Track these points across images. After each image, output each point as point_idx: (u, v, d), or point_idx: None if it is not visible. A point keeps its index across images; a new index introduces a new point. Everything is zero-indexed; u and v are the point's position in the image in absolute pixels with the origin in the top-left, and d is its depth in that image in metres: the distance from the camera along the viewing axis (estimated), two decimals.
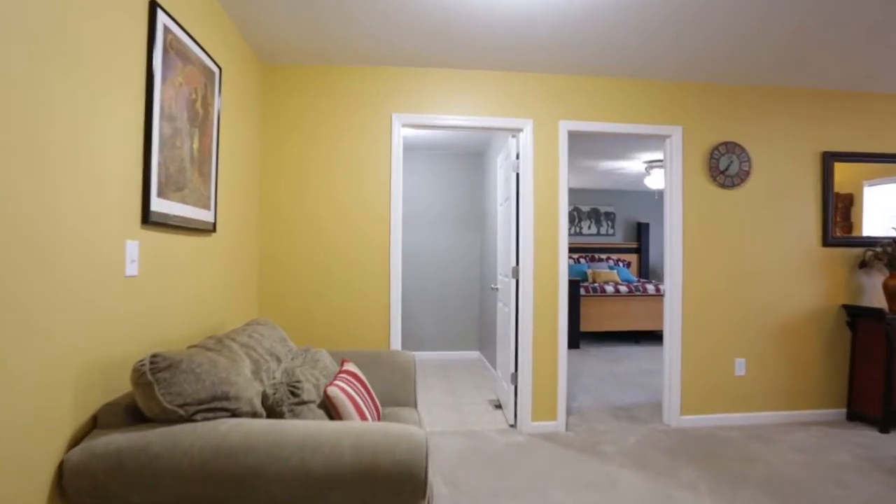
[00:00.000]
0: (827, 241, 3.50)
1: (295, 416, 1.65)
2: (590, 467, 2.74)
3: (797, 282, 3.49)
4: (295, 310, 3.12)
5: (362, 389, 1.99)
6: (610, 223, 9.17)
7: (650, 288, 6.68)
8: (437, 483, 2.57)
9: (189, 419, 1.42)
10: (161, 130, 1.79)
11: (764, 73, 3.22)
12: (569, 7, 2.44)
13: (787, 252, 3.48)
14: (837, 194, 3.54)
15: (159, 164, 1.78)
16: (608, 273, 7.90)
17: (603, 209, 9.12)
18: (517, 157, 3.40)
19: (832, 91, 3.52)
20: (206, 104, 2.21)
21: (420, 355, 5.82)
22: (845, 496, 2.42)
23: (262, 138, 3.12)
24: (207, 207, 2.26)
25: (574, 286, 6.34)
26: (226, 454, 1.32)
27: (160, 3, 1.79)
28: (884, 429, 3.25)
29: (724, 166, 3.39)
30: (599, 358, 5.85)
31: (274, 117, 3.12)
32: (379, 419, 2.06)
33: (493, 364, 4.87)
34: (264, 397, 1.66)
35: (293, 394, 1.67)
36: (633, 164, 6.76)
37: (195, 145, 2.10)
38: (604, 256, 8.90)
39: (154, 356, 1.40)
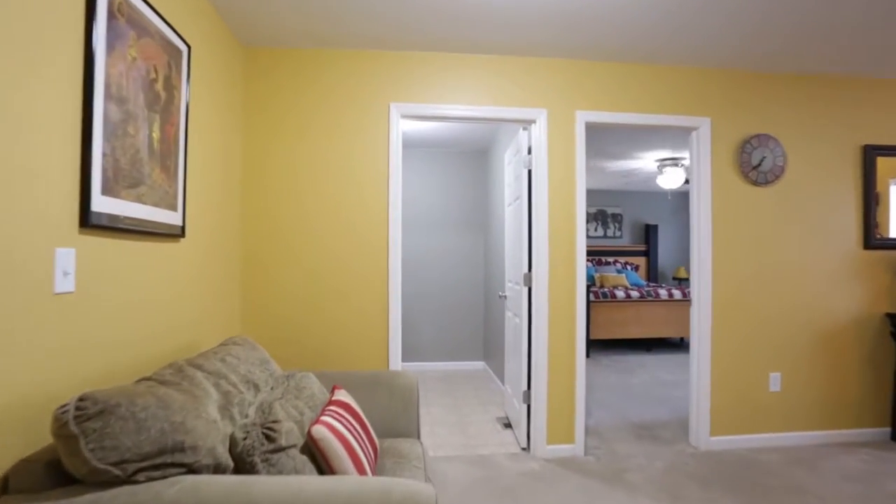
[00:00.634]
0: (869, 243, 3.18)
1: (271, 467, 1.32)
2: (617, 502, 2.41)
3: (837, 288, 3.17)
4: (283, 323, 2.79)
5: (355, 424, 1.66)
6: (617, 225, 8.85)
7: (662, 293, 6.36)
8: None
9: (128, 480, 1.09)
10: (107, 113, 1.46)
11: (801, 59, 2.91)
12: None
13: (825, 256, 3.16)
14: None
15: (105, 156, 1.45)
16: (616, 277, 7.57)
17: (610, 210, 8.80)
18: (529, 151, 3.08)
19: (875, 80, 3.20)
20: (171, 87, 1.89)
21: (421, 366, 5.49)
22: None
23: (246, 131, 2.79)
24: (173, 208, 1.93)
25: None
26: None
27: None
28: None
29: (757, 161, 3.07)
30: (611, 368, 5.52)
31: (259, 108, 2.79)
32: (375, 457, 1.73)
33: (500, 376, 4.54)
34: (232, 442, 1.33)
35: (268, 437, 1.34)
36: (643, 163, 6.45)
37: (155, 134, 1.77)
38: (611, 260, 8.58)
39: (81, 399, 1.07)
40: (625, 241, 8.94)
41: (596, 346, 6.85)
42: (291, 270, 2.80)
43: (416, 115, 2.88)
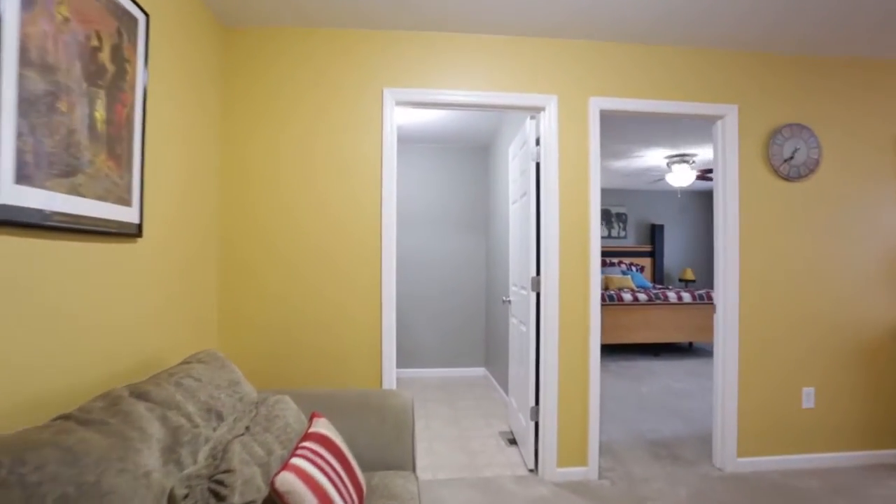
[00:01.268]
0: None
1: None
2: None
3: (876, 294, 2.88)
4: (264, 332, 2.50)
5: (336, 464, 1.37)
6: (622, 225, 8.57)
7: (671, 296, 6.07)
8: None
9: None
10: (23, 83, 1.17)
11: (838, 40, 2.62)
12: None
13: (862, 258, 2.87)
14: None
15: (21, 136, 1.17)
16: (621, 279, 7.29)
17: (614, 210, 8.52)
18: (537, 142, 2.79)
19: None
20: (122, 60, 1.59)
21: (420, 373, 5.20)
22: None
23: (224, 119, 2.50)
24: (126, 202, 1.64)
25: None
26: None
27: None
28: None
29: (789, 153, 2.78)
30: (619, 374, 5.23)
31: (238, 95, 2.50)
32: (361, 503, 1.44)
33: (502, 384, 4.26)
34: (171, 502, 1.05)
35: (217, 494, 1.05)
36: (650, 160, 6.16)
37: (100, 114, 1.48)
38: (615, 261, 8.30)
39: None
40: (630, 242, 8.65)
41: (602, 351, 6.56)
42: (275, 273, 2.51)
43: (412, 102, 2.59)
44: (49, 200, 1.26)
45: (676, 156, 5.90)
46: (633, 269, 8.18)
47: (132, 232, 1.68)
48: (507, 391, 4.05)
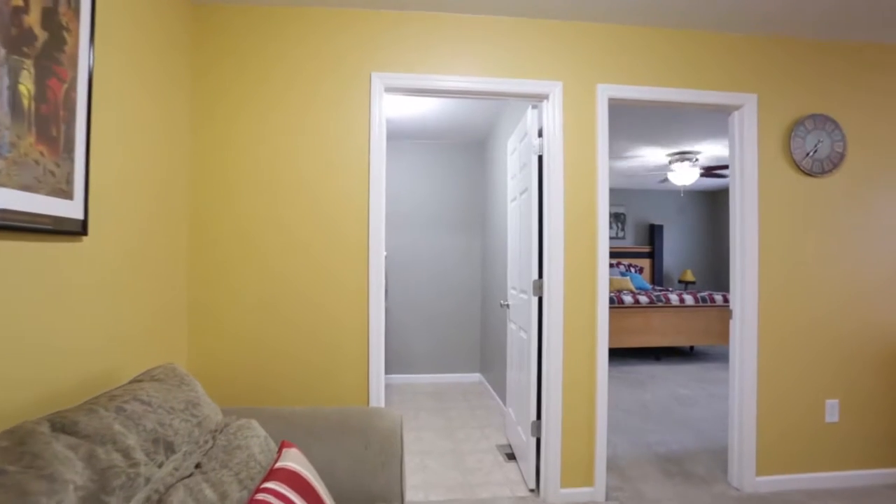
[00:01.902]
0: None
1: None
2: None
3: None
4: (239, 340, 2.26)
5: None
6: (620, 225, 8.37)
7: (673, 298, 5.86)
8: None
9: None
10: None
11: (869, 23, 2.41)
12: None
13: (892, 261, 2.66)
14: None
15: None
16: (621, 280, 7.09)
17: (613, 209, 8.31)
18: (540, 134, 2.57)
19: None
20: (58, 26, 1.35)
21: (412, 379, 4.96)
22: None
23: (194, 105, 2.26)
24: (65, 195, 1.39)
25: None
26: None
27: None
28: None
29: (811, 147, 2.57)
30: (621, 380, 5.02)
31: (212, 81, 2.26)
32: None
33: (498, 391, 4.03)
34: None
35: None
36: (650, 158, 5.96)
37: (25, 87, 1.24)
38: (614, 262, 8.10)
39: None
40: (628, 242, 8.46)
41: None
42: (253, 274, 2.27)
43: (403, 88, 2.36)
44: None
45: (678, 153, 5.70)
46: (632, 270, 7.98)
47: (74, 229, 1.44)
48: (504, 399, 3.83)
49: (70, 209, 1.42)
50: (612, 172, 6.87)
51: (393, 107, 3.93)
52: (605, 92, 2.45)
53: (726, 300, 5.92)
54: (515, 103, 3.60)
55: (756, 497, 2.50)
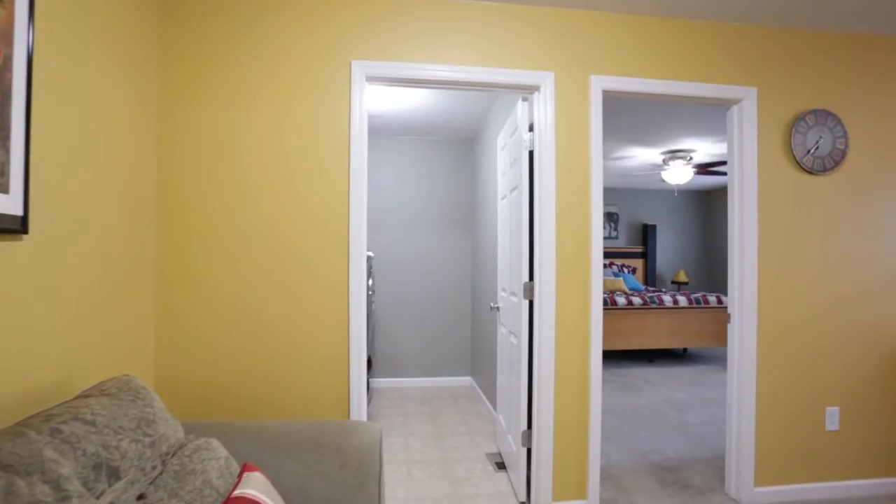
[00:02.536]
0: None
1: None
2: None
3: None
4: (210, 344, 2.11)
5: None
6: (613, 225, 8.28)
7: (667, 299, 5.77)
8: None
9: None
10: None
11: (876, 14, 2.31)
12: None
13: (895, 263, 2.57)
14: None
15: None
16: (614, 281, 7.00)
17: (605, 209, 8.22)
18: (530, 128, 2.44)
19: None
20: None
21: (401, 383, 4.82)
22: None
23: (161, 94, 2.11)
24: (0, 188, 1.24)
25: None
26: None
27: None
28: None
29: (813, 144, 2.47)
30: (614, 384, 4.91)
31: (177, 66, 2.11)
32: None
33: (489, 395, 3.90)
34: None
35: None
36: (644, 156, 5.86)
37: None
38: (607, 262, 8.01)
39: None
40: (621, 242, 8.37)
41: None
42: (228, 271, 2.12)
43: (385, 78, 2.22)
44: None
45: (675, 151, 5.61)
46: (625, 270, 7.90)
47: (12, 227, 1.29)
48: (494, 404, 3.70)
49: (6, 205, 1.27)
50: (605, 171, 6.77)
51: (380, 101, 3.79)
52: (599, 84, 2.33)
53: (720, 301, 5.84)
54: (506, 98, 3.47)
55: None
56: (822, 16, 2.35)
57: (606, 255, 8.14)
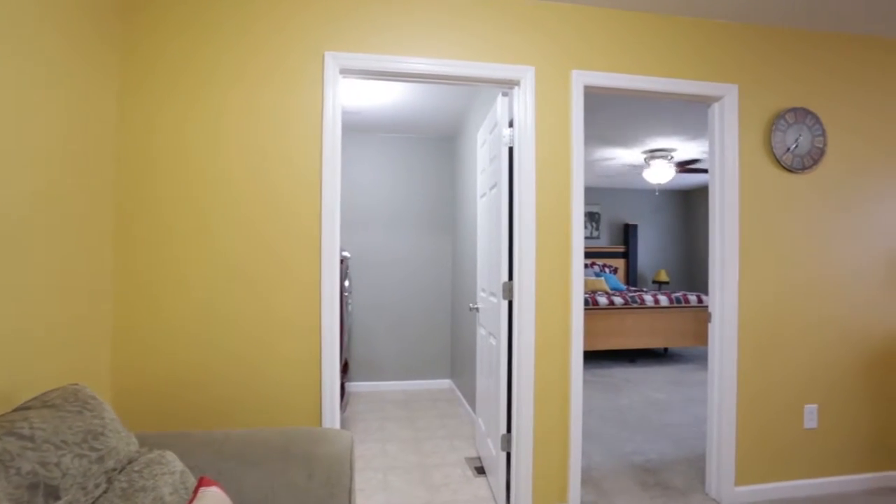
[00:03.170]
0: None
1: None
2: None
3: (888, 300, 2.59)
4: (175, 345, 2.00)
5: None
6: (594, 224, 8.30)
7: (648, 299, 5.78)
8: None
9: None
10: None
11: (856, 13, 2.31)
12: None
13: (872, 260, 2.58)
14: None
15: None
16: (595, 281, 7.00)
17: (587, 209, 8.24)
18: (510, 124, 2.38)
19: None
20: None
21: (379, 387, 4.72)
22: None
23: (124, 80, 1.99)
24: None
25: None
26: None
27: None
28: None
29: (792, 142, 2.46)
30: (594, 385, 4.89)
31: (138, 64, 1.99)
32: None
33: (469, 398, 3.84)
34: None
35: None
36: (625, 155, 5.87)
37: None
38: (588, 262, 8.01)
39: None
40: (602, 242, 8.40)
41: None
42: (195, 265, 2.01)
43: (360, 70, 2.14)
44: None
45: (657, 150, 5.63)
46: (607, 270, 7.92)
47: None
48: (474, 407, 3.64)
49: None
50: (586, 171, 6.77)
51: (359, 97, 3.70)
52: (581, 79, 2.28)
53: (700, 301, 5.88)
54: (487, 94, 3.41)
55: None
56: (804, 14, 2.34)
57: (588, 255, 8.15)
